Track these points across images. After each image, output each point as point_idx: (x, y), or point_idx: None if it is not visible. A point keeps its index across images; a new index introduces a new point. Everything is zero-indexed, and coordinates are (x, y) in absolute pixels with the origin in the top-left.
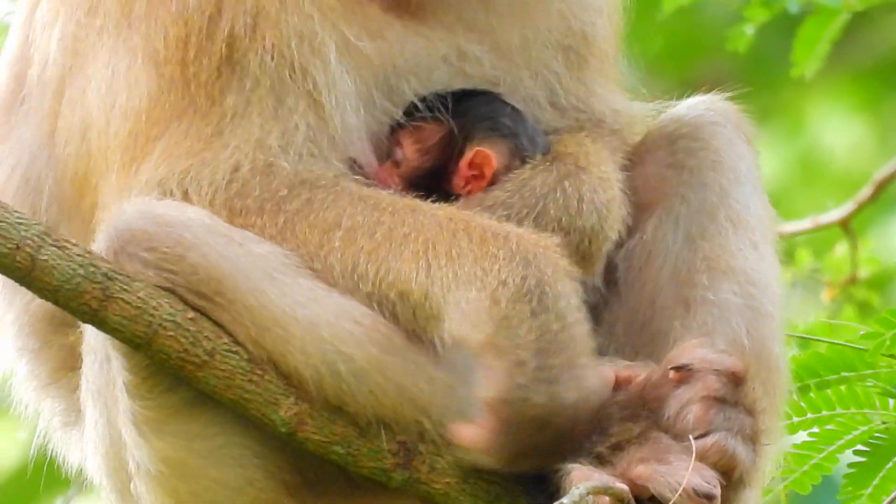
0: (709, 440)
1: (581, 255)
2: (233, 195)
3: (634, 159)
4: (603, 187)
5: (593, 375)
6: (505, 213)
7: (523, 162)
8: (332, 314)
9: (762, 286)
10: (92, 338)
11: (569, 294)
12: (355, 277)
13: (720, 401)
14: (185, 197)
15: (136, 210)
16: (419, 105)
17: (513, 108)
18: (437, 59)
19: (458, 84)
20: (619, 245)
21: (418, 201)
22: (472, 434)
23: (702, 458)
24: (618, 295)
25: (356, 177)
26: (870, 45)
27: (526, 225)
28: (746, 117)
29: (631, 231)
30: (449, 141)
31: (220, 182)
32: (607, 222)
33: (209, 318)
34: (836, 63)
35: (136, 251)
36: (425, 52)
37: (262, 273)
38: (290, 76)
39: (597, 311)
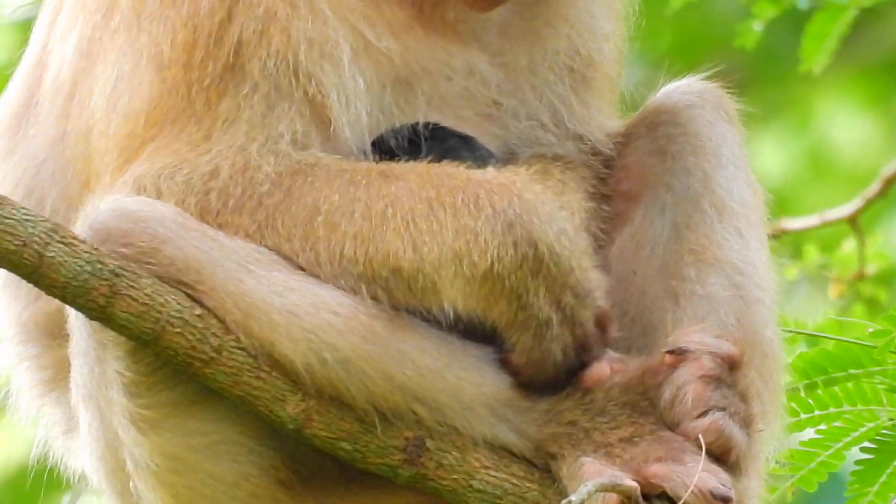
0: (706, 420)
1: None
2: (208, 195)
3: (616, 151)
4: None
5: (590, 278)
6: None
7: None
8: (310, 304)
9: (749, 274)
10: (82, 340)
11: (554, 233)
12: (344, 262)
13: (716, 379)
14: (159, 194)
15: (109, 208)
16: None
17: (461, 136)
18: (450, 71)
19: (461, 102)
20: (612, 241)
21: (392, 166)
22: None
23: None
24: (609, 287)
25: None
26: (878, 41)
27: None
28: (727, 95)
29: (620, 223)
30: None
31: (196, 182)
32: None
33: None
34: (844, 59)
35: (114, 248)
36: (440, 62)
37: (236, 264)
38: (291, 82)
39: None
